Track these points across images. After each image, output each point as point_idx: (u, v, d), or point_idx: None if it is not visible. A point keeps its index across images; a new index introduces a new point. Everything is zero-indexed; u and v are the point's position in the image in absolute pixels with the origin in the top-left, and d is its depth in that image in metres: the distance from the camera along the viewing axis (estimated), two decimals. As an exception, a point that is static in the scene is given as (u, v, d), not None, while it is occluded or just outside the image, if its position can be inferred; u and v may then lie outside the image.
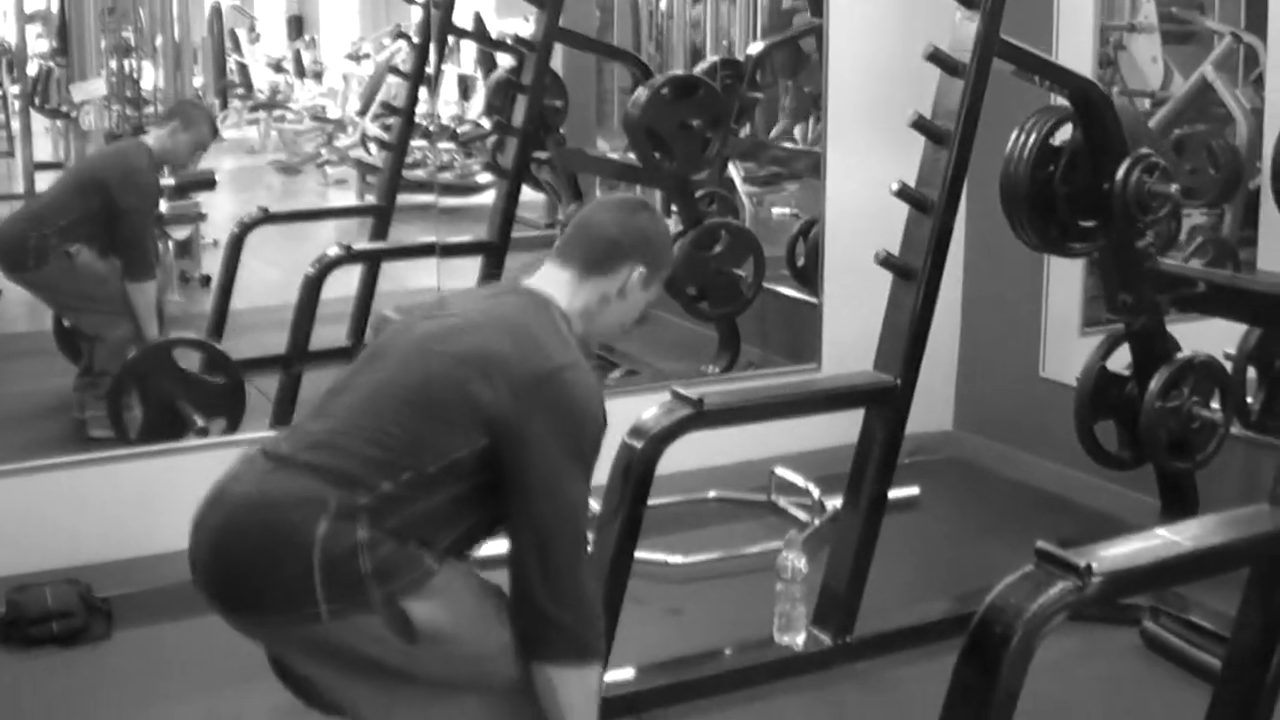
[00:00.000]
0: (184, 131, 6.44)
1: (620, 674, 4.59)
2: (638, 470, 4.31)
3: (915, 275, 4.78)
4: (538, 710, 3.15)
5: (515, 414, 3.04)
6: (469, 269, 6.95)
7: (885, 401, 4.78)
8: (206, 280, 7.18)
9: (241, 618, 3.16)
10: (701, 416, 4.42)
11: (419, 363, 3.16)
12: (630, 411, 4.46)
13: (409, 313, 3.40)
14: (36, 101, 7.06)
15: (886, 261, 4.79)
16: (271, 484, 3.10)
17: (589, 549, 3.16)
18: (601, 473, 4.23)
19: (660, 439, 4.34)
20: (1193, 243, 6.53)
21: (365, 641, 3.04)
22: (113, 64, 6.95)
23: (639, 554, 4.66)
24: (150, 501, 5.49)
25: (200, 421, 5.98)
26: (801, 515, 6.20)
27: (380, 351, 3.28)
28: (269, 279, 7.53)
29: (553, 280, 3.37)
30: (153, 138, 6.44)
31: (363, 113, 8.99)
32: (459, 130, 8.62)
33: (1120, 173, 4.91)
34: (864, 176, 6.41)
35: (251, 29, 9.12)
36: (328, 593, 2.98)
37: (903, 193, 4.79)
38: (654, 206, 3.45)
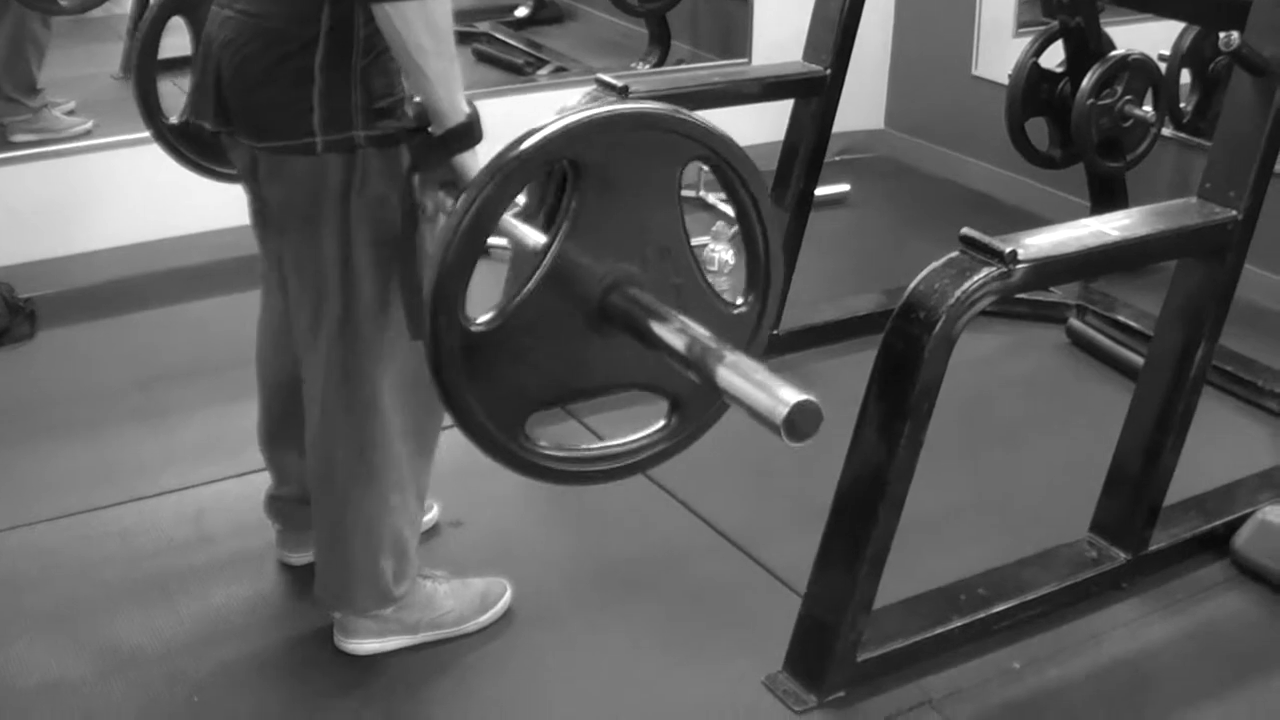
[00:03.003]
0: None
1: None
2: (560, 158, 4.24)
3: (847, -37, 4.69)
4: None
5: None
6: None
7: (814, 92, 4.71)
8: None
9: (236, 132, 3.07)
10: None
11: None
12: (558, 105, 4.39)
13: None
14: None
15: (818, -51, 4.70)
16: (261, 2, 2.96)
17: None
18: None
19: (583, 125, 4.27)
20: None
21: (331, 181, 2.99)
22: None
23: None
24: (71, 202, 5.42)
25: None
26: (729, 210, 6.15)
27: None
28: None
29: None
30: None
31: None
32: None
33: None
34: None
35: None
36: (323, 121, 2.91)
37: (838, -123, 4.69)
38: None
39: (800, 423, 2.17)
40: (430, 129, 2.87)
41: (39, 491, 4.15)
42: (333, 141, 2.94)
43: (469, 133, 2.87)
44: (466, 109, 2.86)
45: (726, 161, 2.59)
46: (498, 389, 2.44)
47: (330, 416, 3.21)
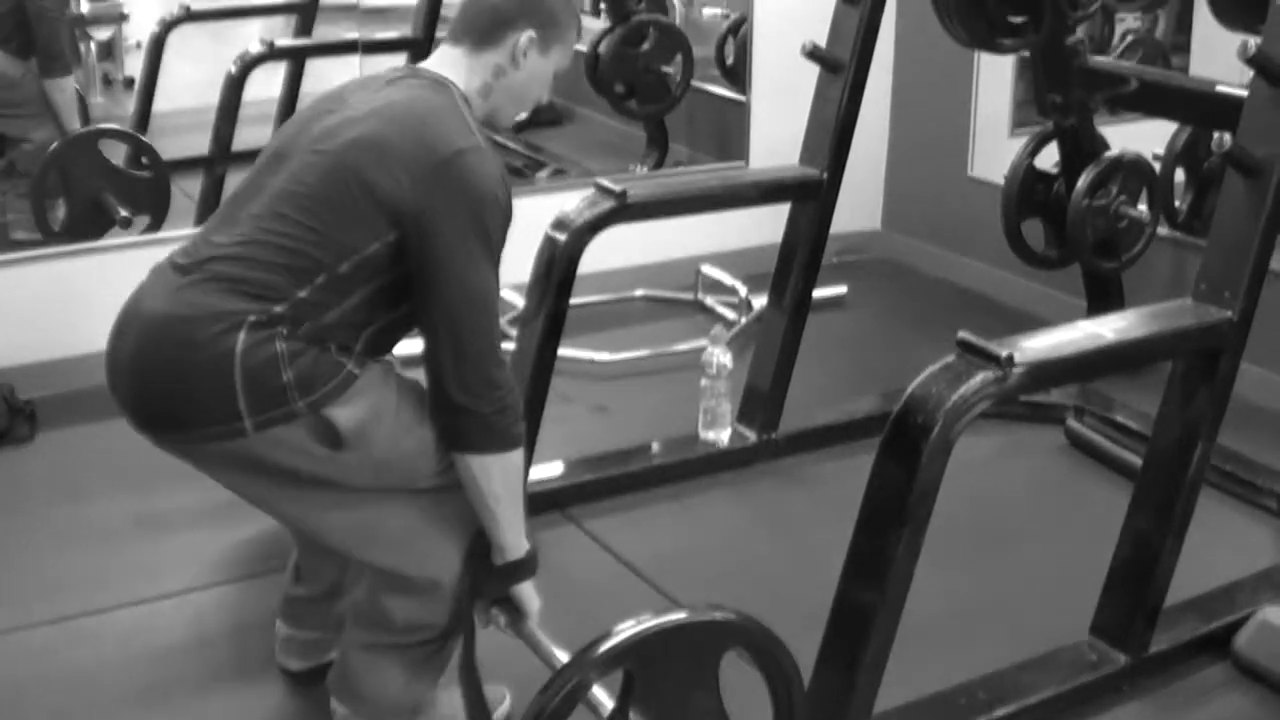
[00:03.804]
0: None
1: (547, 470, 4.59)
2: (561, 263, 4.27)
3: (842, 68, 4.72)
4: (464, 503, 3.14)
5: (416, 202, 2.96)
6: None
7: (811, 196, 4.74)
8: (130, 82, 7.05)
9: (166, 436, 3.11)
10: (625, 209, 4.37)
11: (318, 160, 3.06)
12: (557, 209, 4.42)
13: (307, 109, 3.32)
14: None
15: (813, 54, 4.73)
16: (186, 299, 3.02)
17: (501, 339, 3.09)
18: (524, 269, 4.24)
19: (583, 231, 4.30)
20: (1126, 46, 6.49)
21: (291, 453, 3.01)
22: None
23: (567, 352, 4.66)
24: (73, 302, 5.43)
25: (124, 212, 5.87)
26: (728, 313, 6.20)
27: (280, 152, 3.18)
28: (192, 79, 7.40)
29: (448, 60, 3.25)
30: None
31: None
32: (384, -75, 8.46)
33: (1051, -34, 4.85)
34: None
35: None
36: (250, 406, 2.94)
37: (831, -16, 4.74)
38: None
39: None
40: (493, 556, 3.19)
41: (37, 594, 4.15)
42: (261, 423, 2.99)
43: (528, 566, 3.22)
44: (527, 545, 3.19)
45: (767, 652, 2.76)
46: None
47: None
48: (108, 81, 7.17)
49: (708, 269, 6.45)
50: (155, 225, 5.94)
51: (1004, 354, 3.02)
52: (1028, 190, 5.34)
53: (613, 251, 4.56)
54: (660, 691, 2.64)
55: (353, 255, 2.99)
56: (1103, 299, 5.51)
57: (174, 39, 6.76)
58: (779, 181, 4.85)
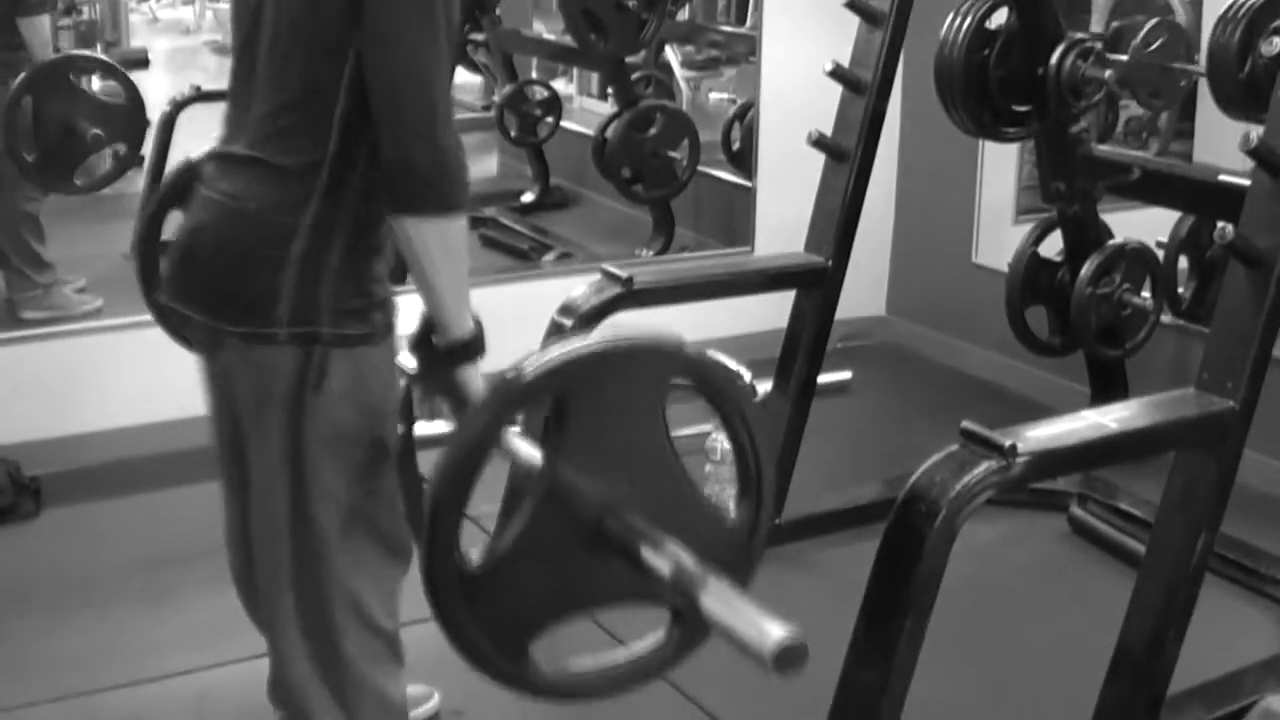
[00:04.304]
0: None
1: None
2: (567, 349, 4.28)
3: (848, 157, 4.76)
4: (394, 487, 3.11)
5: None
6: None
7: (816, 283, 4.77)
8: (140, 160, 7.10)
9: (214, 319, 3.04)
10: (631, 295, 4.40)
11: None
12: (563, 293, 4.45)
13: None
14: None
15: (819, 142, 4.77)
16: (241, 188, 2.98)
17: (451, 102, 2.96)
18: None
19: (589, 317, 4.32)
20: (1130, 133, 6.53)
21: (287, 373, 2.95)
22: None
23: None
24: (79, 380, 5.46)
25: (99, 139, 5.81)
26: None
27: (257, 9, 3.05)
28: (202, 158, 7.46)
29: None
30: None
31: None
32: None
33: (1054, 57, 4.88)
34: (800, 59, 6.35)
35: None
36: (291, 313, 2.89)
37: (836, 73, 4.77)
38: None
39: (786, 659, 2.19)
40: (434, 339, 2.94)
41: (41, 671, 4.15)
42: (295, 335, 2.92)
43: (472, 347, 2.94)
44: (471, 324, 2.92)
45: (707, 382, 2.65)
46: (498, 619, 2.47)
47: (289, 634, 3.16)
48: (117, 158, 7.22)
49: (712, 354, 6.44)
50: (132, 151, 5.90)
51: (1007, 444, 3.04)
52: (1032, 277, 5.36)
53: (618, 336, 4.58)
54: (598, 419, 2.50)
55: (343, 71, 2.89)
56: (1106, 386, 5.52)
57: (184, 118, 6.80)
58: (785, 269, 4.89)
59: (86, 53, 6.38)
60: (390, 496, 3.12)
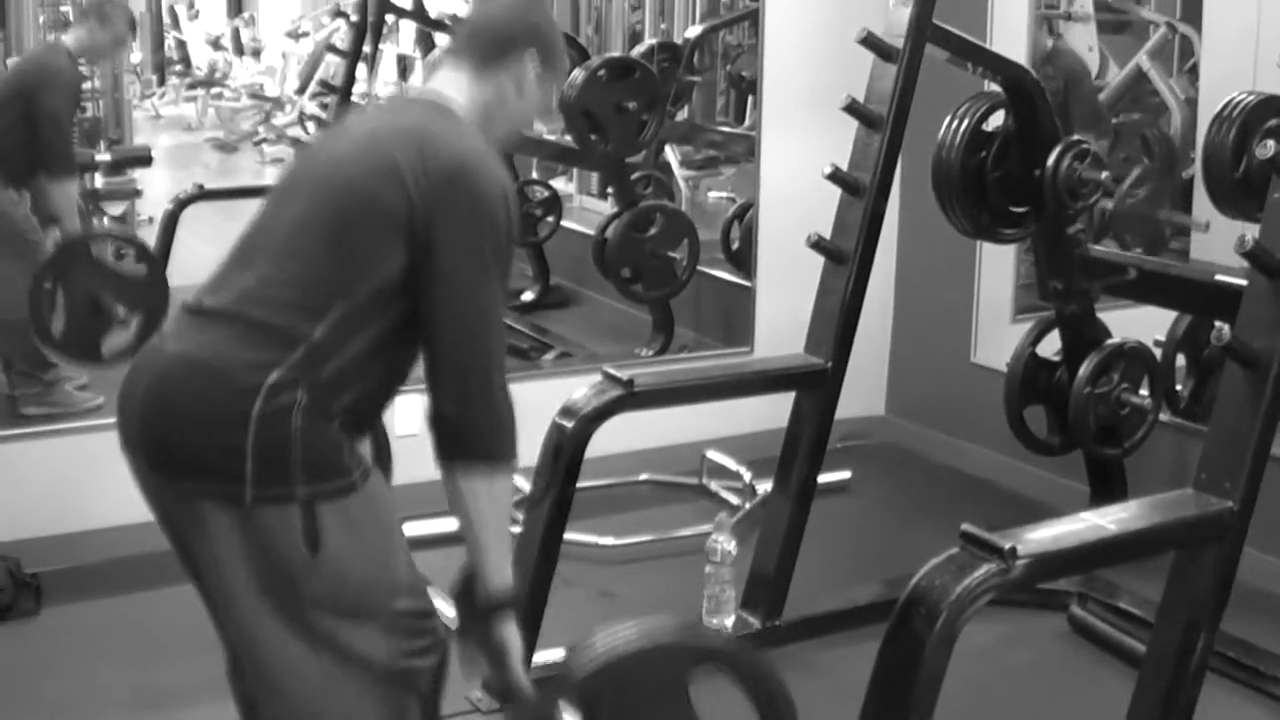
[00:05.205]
0: (102, 29, 6.36)
1: (550, 655, 4.58)
2: (568, 450, 4.31)
3: (847, 259, 4.79)
4: (408, 645, 3.09)
5: (425, 212, 2.94)
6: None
7: (816, 385, 4.79)
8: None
9: (170, 481, 3.02)
10: (632, 397, 4.42)
11: (330, 189, 3.04)
12: (563, 393, 4.47)
13: (311, 144, 3.30)
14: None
15: (818, 245, 4.80)
16: (206, 343, 2.99)
17: (504, 359, 3.04)
18: (531, 454, 4.25)
19: (591, 419, 4.35)
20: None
21: (276, 541, 2.93)
22: (50, 39, 6.89)
23: (571, 535, 4.67)
24: (80, 478, 5.47)
25: (123, 313, 5.86)
26: (732, 499, 6.21)
27: (291, 185, 3.17)
28: (205, 256, 7.48)
29: (448, 82, 3.24)
30: (71, 36, 6.34)
31: (301, 91, 8.97)
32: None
33: (1051, 159, 4.91)
34: (798, 160, 6.41)
35: (191, 5, 9.09)
36: (256, 474, 2.88)
37: (835, 176, 4.80)
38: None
39: None
40: (475, 589, 3.07)
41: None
42: (263, 496, 2.93)
43: (511, 600, 3.08)
44: (510, 579, 3.06)
45: (740, 671, 2.87)
46: None
47: None
48: (120, 256, 7.26)
49: (713, 454, 6.47)
50: (152, 323, 5.94)
51: (1007, 546, 3.05)
52: (1030, 377, 5.39)
53: (618, 435, 4.59)
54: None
55: (371, 280, 2.95)
56: (1105, 485, 5.53)
57: (187, 216, 6.85)
58: (785, 371, 4.91)
59: (110, 229, 6.45)
60: None
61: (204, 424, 2.94)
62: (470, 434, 2.97)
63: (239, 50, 9.26)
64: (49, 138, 6.17)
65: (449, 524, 3.15)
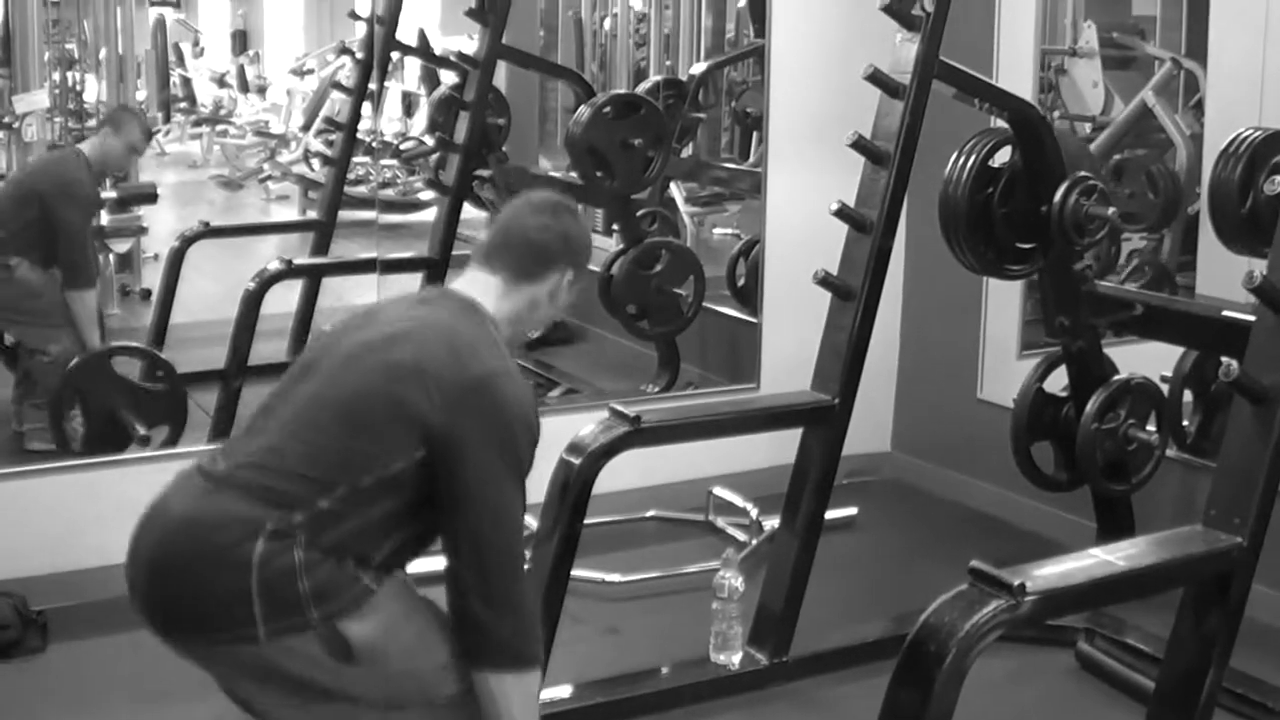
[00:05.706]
0: (115, 136, 6.44)
1: (557, 692, 4.58)
2: (575, 487, 4.31)
3: (854, 295, 4.78)
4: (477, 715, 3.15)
5: (447, 421, 3.03)
6: (410, 285, 6.93)
7: (823, 421, 4.78)
8: (147, 294, 7.16)
9: (178, 639, 3.13)
10: (639, 434, 4.42)
11: (351, 374, 3.14)
12: (569, 429, 4.47)
13: (340, 323, 3.38)
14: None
15: (825, 281, 4.80)
16: (208, 504, 3.08)
17: (525, 559, 3.14)
18: (539, 489, 4.25)
19: (598, 456, 4.34)
20: (1131, 266, 6.57)
21: (303, 663, 3.02)
22: (56, 76, 6.92)
23: (578, 572, 4.67)
24: (87, 514, 5.46)
25: (142, 430, 5.94)
26: (739, 535, 6.21)
27: (312, 364, 3.25)
28: (209, 293, 7.50)
29: (481, 285, 3.35)
30: (88, 146, 6.44)
31: (306, 128, 8.97)
32: (402, 147, 8.61)
33: (1058, 195, 4.91)
34: (804, 197, 6.40)
35: (195, 43, 9.09)
36: (266, 613, 2.96)
37: (841, 213, 4.80)
38: (572, 204, 3.49)
39: None
40: None
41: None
42: (276, 629, 3.00)
43: None
44: None
45: None
46: None
47: None
48: (125, 293, 7.29)
49: (719, 490, 6.46)
50: (173, 438, 6.00)
51: (1016, 583, 3.05)
52: (1037, 413, 5.37)
53: (624, 471, 4.59)
54: None
55: (377, 469, 3.04)
56: (1113, 521, 5.51)
57: (193, 253, 6.86)
58: (791, 408, 4.90)
59: (130, 344, 6.51)
60: None
61: (206, 579, 3.03)
62: (497, 638, 3.08)
63: (244, 87, 9.27)
64: (66, 251, 6.25)
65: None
